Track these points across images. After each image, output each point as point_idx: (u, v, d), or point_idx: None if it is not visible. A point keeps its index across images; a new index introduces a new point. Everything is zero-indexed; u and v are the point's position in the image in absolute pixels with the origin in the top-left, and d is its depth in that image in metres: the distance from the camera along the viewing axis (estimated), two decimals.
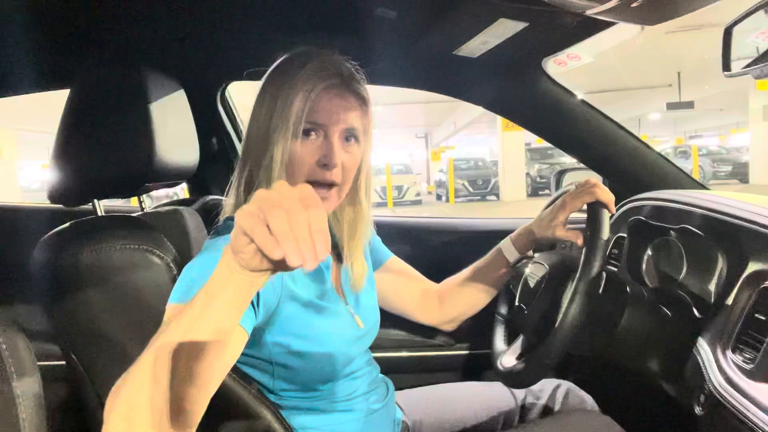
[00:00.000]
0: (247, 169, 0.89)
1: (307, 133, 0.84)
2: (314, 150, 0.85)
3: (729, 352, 0.85)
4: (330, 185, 0.86)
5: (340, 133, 0.86)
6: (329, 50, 0.89)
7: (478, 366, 1.59)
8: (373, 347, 1.07)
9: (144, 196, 1.18)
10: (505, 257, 1.15)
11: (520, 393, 1.23)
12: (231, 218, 0.87)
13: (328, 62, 0.86)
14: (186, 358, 0.57)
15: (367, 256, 1.08)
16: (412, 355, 1.62)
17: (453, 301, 1.20)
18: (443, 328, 1.25)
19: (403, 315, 1.22)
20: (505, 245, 1.16)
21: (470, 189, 16.18)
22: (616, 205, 1.44)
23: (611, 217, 1.40)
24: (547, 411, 1.21)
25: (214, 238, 0.85)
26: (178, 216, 1.11)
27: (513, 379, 1.02)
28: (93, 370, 0.89)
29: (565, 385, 1.26)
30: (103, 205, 1.03)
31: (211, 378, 0.61)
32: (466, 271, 1.21)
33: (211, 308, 0.56)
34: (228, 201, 0.91)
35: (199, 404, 0.61)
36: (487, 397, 1.23)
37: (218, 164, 1.72)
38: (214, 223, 0.91)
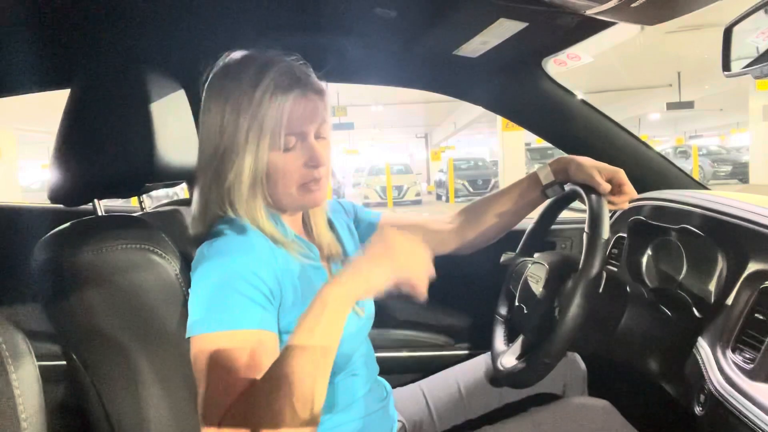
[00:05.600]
0: (210, 187, 0.87)
1: (286, 142, 0.85)
2: (298, 156, 0.86)
3: (729, 352, 0.85)
4: (317, 180, 0.88)
5: (315, 132, 0.88)
6: (275, 53, 0.88)
7: None
8: (373, 347, 1.07)
9: (144, 196, 1.18)
10: (538, 178, 1.13)
11: None
12: (223, 224, 0.86)
13: (285, 68, 0.86)
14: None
15: (352, 231, 1.10)
16: (412, 355, 1.62)
17: (474, 223, 1.17)
18: (460, 253, 1.20)
19: None
20: (540, 168, 1.14)
21: (470, 189, 16.17)
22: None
23: (611, 217, 1.40)
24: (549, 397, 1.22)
25: (205, 244, 0.85)
26: (179, 216, 1.10)
27: (513, 380, 1.02)
28: (93, 370, 0.89)
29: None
30: (103, 205, 1.03)
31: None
32: (494, 194, 1.19)
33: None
34: (196, 218, 0.90)
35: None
36: (481, 376, 1.24)
37: None
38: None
